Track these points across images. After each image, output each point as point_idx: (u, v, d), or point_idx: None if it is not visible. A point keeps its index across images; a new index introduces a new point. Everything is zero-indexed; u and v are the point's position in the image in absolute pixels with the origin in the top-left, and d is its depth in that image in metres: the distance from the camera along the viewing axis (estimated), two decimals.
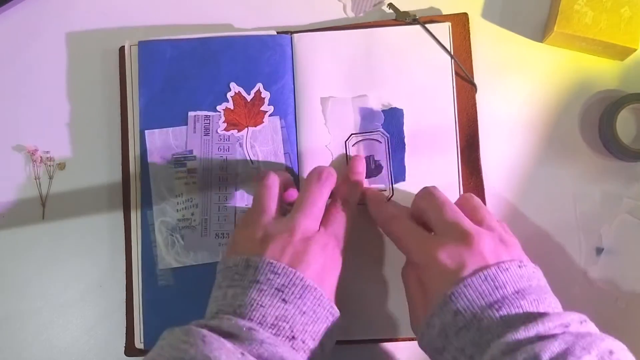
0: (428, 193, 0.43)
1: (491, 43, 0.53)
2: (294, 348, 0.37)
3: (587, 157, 0.52)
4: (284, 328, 0.38)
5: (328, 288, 0.41)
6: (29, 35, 0.55)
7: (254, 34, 0.52)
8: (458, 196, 0.50)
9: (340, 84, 0.51)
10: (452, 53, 0.51)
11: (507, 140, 0.52)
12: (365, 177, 0.51)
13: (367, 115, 0.51)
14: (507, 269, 0.37)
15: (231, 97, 0.51)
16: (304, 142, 0.51)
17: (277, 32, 0.52)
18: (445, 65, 0.51)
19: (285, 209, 0.47)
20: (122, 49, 0.53)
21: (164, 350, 0.36)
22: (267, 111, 0.51)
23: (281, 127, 0.51)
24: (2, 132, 0.54)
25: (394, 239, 0.44)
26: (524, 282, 0.37)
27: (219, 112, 0.51)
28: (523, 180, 0.52)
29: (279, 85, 0.51)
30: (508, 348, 0.34)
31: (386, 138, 0.51)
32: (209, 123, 0.51)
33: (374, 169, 0.51)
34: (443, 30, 0.51)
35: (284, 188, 0.47)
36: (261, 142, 0.51)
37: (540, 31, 0.53)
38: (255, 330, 0.36)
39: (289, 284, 0.39)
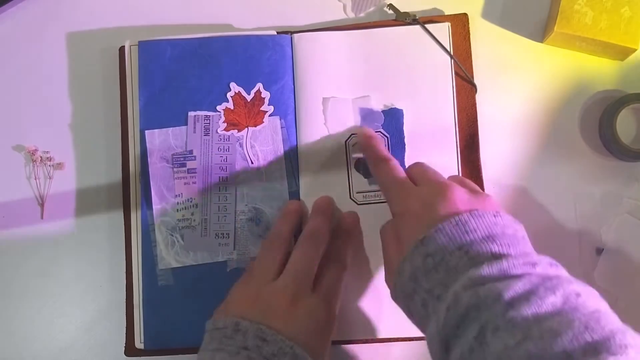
0: (417, 163, 0.46)
1: (491, 43, 0.53)
2: None
3: (587, 157, 0.52)
4: None
5: (319, 351, 0.41)
6: (29, 35, 0.55)
7: (254, 34, 0.52)
8: None
9: (340, 84, 0.51)
10: (452, 53, 0.51)
11: (507, 140, 0.52)
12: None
13: (367, 115, 0.51)
14: (480, 215, 0.37)
15: (231, 97, 0.51)
16: (304, 142, 0.51)
17: (277, 32, 0.52)
18: (445, 65, 0.51)
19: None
20: (122, 49, 0.53)
21: None
22: (267, 111, 0.51)
23: (281, 127, 0.51)
24: (2, 132, 0.54)
25: (379, 181, 0.45)
26: (497, 229, 0.37)
27: (219, 112, 0.51)
28: (523, 180, 0.52)
29: (279, 85, 0.51)
30: (470, 283, 0.33)
31: (386, 138, 0.51)
32: (209, 123, 0.51)
33: None
34: (443, 31, 0.51)
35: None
36: (261, 142, 0.51)
37: (540, 31, 0.53)
38: None
39: (278, 352, 0.38)
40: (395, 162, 0.45)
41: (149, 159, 0.51)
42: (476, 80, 0.52)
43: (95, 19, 0.55)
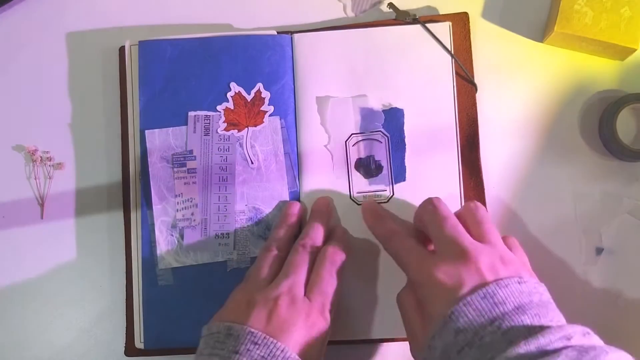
0: (430, 204, 0.43)
1: (491, 43, 0.53)
2: None
3: (587, 157, 0.52)
4: None
5: (313, 355, 0.41)
6: (29, 35, 0.55)
7: (254, 34, 0.52)
8: (459, 195, 0.50)
9: (340, 84, 0.51)
10: (452, 53, 0.51)
11: (507, 140, 0.52)
12: (366, 177, 0.51)
13: (367, 115, 0.51)
14: (506, 285, 0.37)
15: (231, 97, 0.51)
16: (304, 142, 0.51)
17: (277, 32, 0.52)
18: (445, 65, 0.51)
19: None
20: (122, 49, 0.53)
21: None
22: (267, 111, 0.51)
23: (281, 127, 0.51)
24: (2, 132, 0.54)
25: (393, 254, 0.44)
26: (525, 298, 0.37)
27: (219, 112, 0.51)
28: (523, 180, 0.52)
29: (279, 85, 0.51)
30: None
31: (386, 138, 0.51)
32: (209, 123, 0.51)
33: (374, 169, 0.51)
34: (443, 30, 0.51)
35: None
36: (261, 142, 0.51)
37: (540, 31, 0.53)
38: None
39: (268, 356, 0.38)
40: (405, 232, 0.44)
41: (149, 159, 0.51)
42: (476, 80, 0.52)
43: (95, 19, 0.55)
